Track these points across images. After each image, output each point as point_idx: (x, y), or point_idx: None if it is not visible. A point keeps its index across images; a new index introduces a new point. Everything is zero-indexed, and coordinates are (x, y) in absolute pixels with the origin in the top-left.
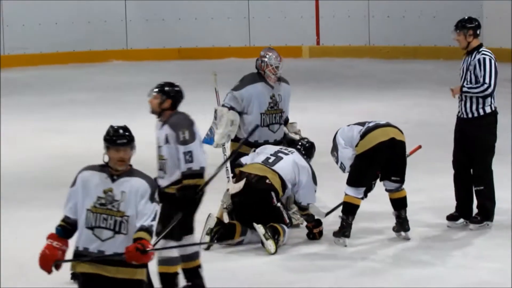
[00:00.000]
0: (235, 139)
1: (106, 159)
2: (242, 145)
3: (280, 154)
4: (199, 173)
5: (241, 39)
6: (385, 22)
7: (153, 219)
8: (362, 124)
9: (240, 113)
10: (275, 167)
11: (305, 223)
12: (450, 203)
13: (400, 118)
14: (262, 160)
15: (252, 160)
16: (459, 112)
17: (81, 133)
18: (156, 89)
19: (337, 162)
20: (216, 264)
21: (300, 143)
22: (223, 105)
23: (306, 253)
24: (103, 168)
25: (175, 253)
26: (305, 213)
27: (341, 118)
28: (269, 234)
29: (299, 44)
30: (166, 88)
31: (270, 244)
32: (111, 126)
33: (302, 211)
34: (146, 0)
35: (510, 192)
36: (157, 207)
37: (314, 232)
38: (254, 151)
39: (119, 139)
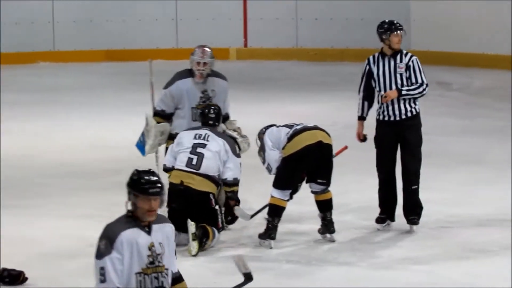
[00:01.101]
0: (169, 136)
1: (130, 207)
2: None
3: (199, 150)
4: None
5: (169, 41)
6: (313, 25)
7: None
8: (290, 126)
9: (175, 109)
10: (202, 170)
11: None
12: (375, 204)
13: (327, 120)
14: (185, 164)
15: (174, 157)
16: (386, 115)
17: (9, 135)
18: None
19: (263, 163)
20: None
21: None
22: (154, 109)
23: (232, 255)
24: (131, 220)
25: None
26: (231, 189)
27: (269, 121)
28: (197, 235)
29: (227, 46)
30: None
31: (193, 246)
32: (139, 172)
33: (229, 187)
34: (74, 0)
35: (434, 193)
36: None
37: (234, 213)
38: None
39: (151, 188)
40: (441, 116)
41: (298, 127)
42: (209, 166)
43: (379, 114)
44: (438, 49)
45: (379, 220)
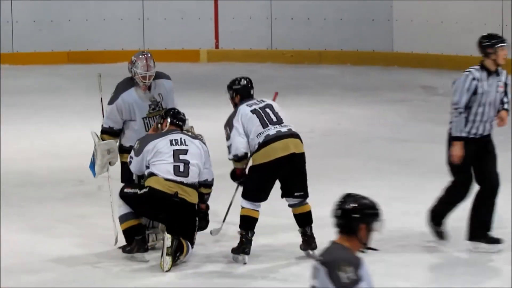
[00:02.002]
0: (121, 149)
1: None
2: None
3: (182, 157)
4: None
5: (135, 42)
6: (288, 25)
7: None
8: (263, 124)
9: (124, 122)
10: (190, 177)
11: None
12: None
13: (304, 126)
14: (173, 172)
15: (146, 165)
16: (477, 133)
17: None
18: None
19: (227, 139)
20: (109, 283)
21: None
22: (102, 127)
23: (204, 272)
24: None
25: None
26: (208, 191)
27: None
28: (173, 249)
29: (197, 48)
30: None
31: (167, 262)
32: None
33: (208, 189)
34: (34, 0)
35: (419, 204)
36: None
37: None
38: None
39: None
40: (425, 122)
41: (271, 132)
42: (195, 172)
43: (468, 132)
44: (422, 51)
45: (494, 241)
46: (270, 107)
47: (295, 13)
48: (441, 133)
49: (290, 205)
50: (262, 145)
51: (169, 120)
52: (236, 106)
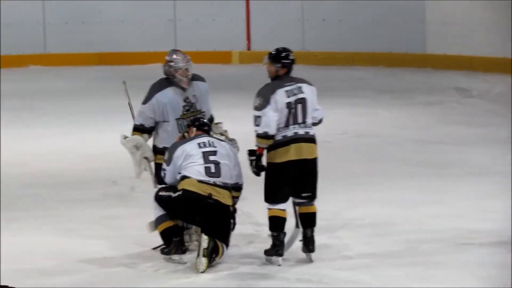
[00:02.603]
0: (155, 150)
1: None
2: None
3: (212, 158)
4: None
5: (167, 43)
6: (320, 26)
7: None
8: (287, 122)
9: (157, 122)
10: (222, 178)
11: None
12: (384, 220)
13: (337, 129)
14: (205, 173)
15: (175, 176)
16: None
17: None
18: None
19: (258, 109)
20: (142, 284)
21: None
22: (134, 124)
23: (238, 273)
24: None
25: None
26: (238, 195)
27: None
28: (208, 251)
29: (229, 49)
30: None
31: (202, 263)
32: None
33: (238, 192)
34: (66, 0)
35: (448, 208)
36: None
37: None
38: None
39: None
40: (458, 124)
41: (289, 133)
42: (226, 172)
43: None
44: (455, 53)
45: None
46: (303, 102)
47: (327, 14)
48: (474, 136)
49: (296, 203)
50: (277, 145)
51: (194, 127)
52: (275, 78)
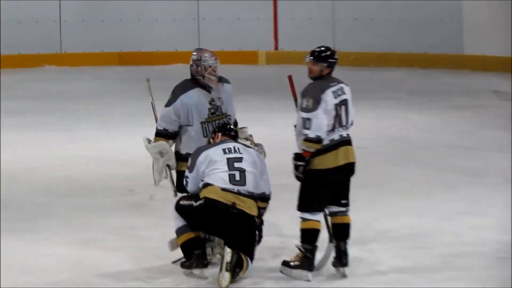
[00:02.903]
0: (178, 157)
1: None
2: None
3: (237, 165)
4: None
5: (190, 42)
6: (351, 26)
7: None
8: (334, 125)
9: (181, 127)
10: (247, 187)
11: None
12: (418, 231)
13: (369, 133)
14: (229, 181)
15: (197, 184)
16: None
17: (9, 147)
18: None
19: (307, 111)
20: None
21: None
22: (156, 129)
23: None
24: None
25: None
26: (265, 205)
27: None
28: (232, 265)
29: (255, 49)
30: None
31: (225, 278)
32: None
33: (265, 203)
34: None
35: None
36: None
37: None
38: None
39: None
40: (496, 129)
41: (336, 136)
42: (252, 181)
43: None
44: (494, 54)
45: None
46: (346, 104)
47: (359, 13)
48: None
49: (330, 213)
50: (325, 149)
51: (220, 132)
52: (317, 78)
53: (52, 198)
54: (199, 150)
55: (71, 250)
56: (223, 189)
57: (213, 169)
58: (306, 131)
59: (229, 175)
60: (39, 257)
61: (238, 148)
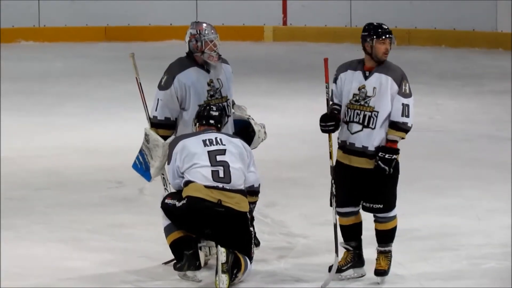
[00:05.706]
0: None
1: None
2: None
3: (220, 158)
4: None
5: (187, 17)
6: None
7: None
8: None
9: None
10: (233, 183)
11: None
12: (445, 231)
13: None
14: (212, 178)
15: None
16: None
17: None
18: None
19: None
20: None
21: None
22: (155, 119)
23: None
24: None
25: None
26: (255, 200)
27: (313, 120)
28: (229, 266)
29: (261, 24)
30: None
31: (223, 280)
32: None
33: (255, 197)
34: None
35: None
36: None
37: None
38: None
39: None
40: None
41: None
42: (238, 176)
43: None
44: None
45: None
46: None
47: None
48: None
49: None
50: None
51: (197, 121)
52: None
53: (30, 193)
54: (177, 139)
55: (51, 250)
56: (207, 186)
57: (194, 165)
58: (405, 119)
59: (212, 171)
60: (14, 258)
61: (220, 139)
